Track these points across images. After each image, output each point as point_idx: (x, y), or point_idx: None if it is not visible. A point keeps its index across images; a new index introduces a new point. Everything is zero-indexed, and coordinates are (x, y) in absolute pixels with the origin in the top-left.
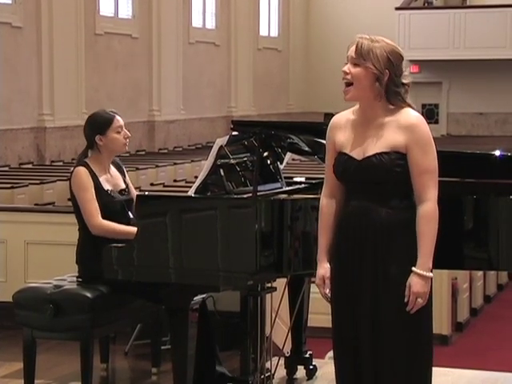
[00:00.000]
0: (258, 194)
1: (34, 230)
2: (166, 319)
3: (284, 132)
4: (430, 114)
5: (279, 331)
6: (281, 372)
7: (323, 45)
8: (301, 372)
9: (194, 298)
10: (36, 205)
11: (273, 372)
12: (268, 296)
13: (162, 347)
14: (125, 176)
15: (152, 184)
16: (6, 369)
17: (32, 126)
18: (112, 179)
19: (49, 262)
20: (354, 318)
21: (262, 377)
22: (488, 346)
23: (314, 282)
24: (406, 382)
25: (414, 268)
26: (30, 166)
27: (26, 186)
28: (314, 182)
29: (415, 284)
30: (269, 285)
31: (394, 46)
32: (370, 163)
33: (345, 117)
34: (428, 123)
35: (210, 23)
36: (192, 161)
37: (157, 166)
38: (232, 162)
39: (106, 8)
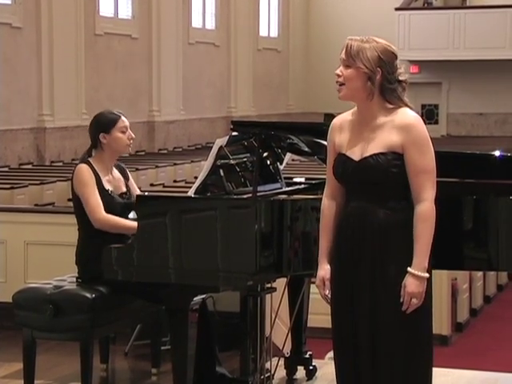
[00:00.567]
0: (258, 194)
1: (33, 231)
2: (166, 320)
3: (284, 132)
4: (430, 114)
5: (279, 332)
6: (281, 372)
7: (323, 45)
8: (301, 372)
9: (194, 299)
10: (36, 205)
11: (273, 372)
12: (268, 296)
13: (162, 348)
14: (128, 180)
15: (152, 184)
16: (6, 369)
17: (32, 127)
18: (114, 181)
19: (48, 263)
20: (353, 318)
21: (262, 377)
22: (488, 346)
23: (313, 283)
24: (404, 382)
25: (409, 268)
26: (29, 166)
27: (26, 186)
28: (313, 182)
29: (410, 284)
30: (268, 285)
31: (385, 44)
32: (368, 164)
33: (344, 118)
34: (428, 124)
35: (210, 24)
36: (192, 161)
37: (157, 167)
38: (232, 162)
39: (105, 8)
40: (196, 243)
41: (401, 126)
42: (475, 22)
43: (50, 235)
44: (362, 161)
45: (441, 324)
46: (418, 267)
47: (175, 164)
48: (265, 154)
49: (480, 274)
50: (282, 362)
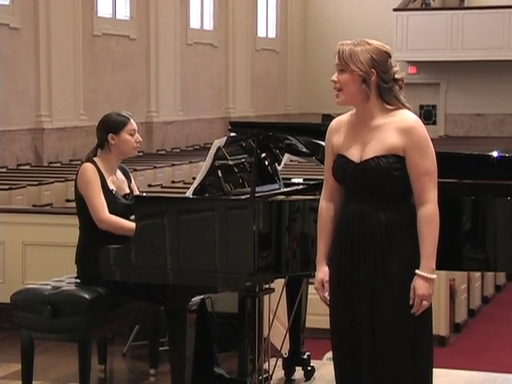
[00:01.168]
0: (256, 195)
1: (31, 231)
2: (164, 320)
3: (282, 133)
4: (428, 115)
5: (277, 332)
6: (279, 373)
7: (321, 46)
8: (299, 373)
9: (192, 299)
10: (34, 206)
11: (271, 373)
12: (266, 297)
13: (160, 348)
14: (130, 181)
15: (150, 185)
16: (4, 370)
17: (30, 127)
18: (117, 182)
19: (46, 263)
20: (353, 318)
21: (260, 378)
22: (486, 346)
23: (312, 283)
24: (407, 382)
25: (417, 271)
26: (27, 167)
27: (24, 187)
28: (311, 183)
29: (420, 287)
30: (267, 286)
31: (377, 44)
32: (369, 166)
33: (343, 120)
34: (426, 124)
35: (208, 24)
36: (190, 162)
37: (155, 167)
38: (230, 163)
39: (103, 9)
40: (194, 244)
41: (402, 129)
42: (473, 23)
43: (48, 236)
44: (363, 163)
45: (439, 324)
46: (426, 269)
47: (173, 165)
48: (263, 155)
49: (478, 274)
50: (280, 362)
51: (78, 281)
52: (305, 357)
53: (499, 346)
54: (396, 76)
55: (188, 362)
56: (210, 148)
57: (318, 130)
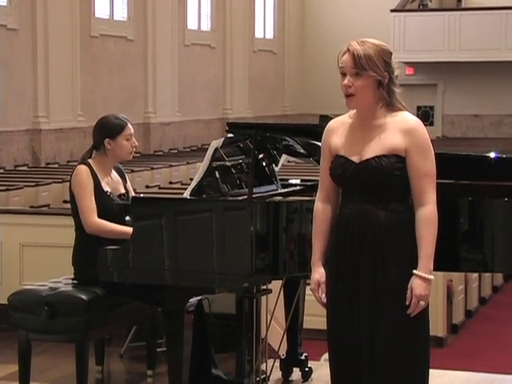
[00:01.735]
0: (254, 196)
1: (29, 233)
2: (162, 321)
3: (279, 134)
4: (426, 115)
5: (275, 333)
6: (276, 374)
7: (318, 47)
8: (296, 374)
9: (190, 300)
10: (31, 207)
11: (268, 374)
12: (263, 298)
13: (158, 349)
14: (126, 181)
15: (147, 186)
16: (1, 371)
17: (27, 128)
18: (112, 183)
19: (44, 264)
20: (352, 319)
21: (258, 379)
22: (483, 347)
23: (309, 285)
24: (406, 382)
25: (415, 271)
26: (25, 168)
27: (21, 188)
28: (309, 184)
29: (418, 287)
30: (264, 287)
31: (381, 44)
32: (370, 166)
33: (341, 121)
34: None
35: (206, 25)
36: (187, 163)
37: (152, 168)
38: (227, 164)
39: (101, 10)
40: (191, 245)
41: (404, 130)
42: (470, 24)
43: (45, 237)
44: (364, 163)
45: (436, 325)
46: (424, 269)
47: (171, 166)
48: (260, 156)
49: (475, 275)
50: (277, 363)
51: (76, 282)
52: (302, 358)
53: (496, 347)
54: (395, 73)
55: (185, 363)
56: (207, 149)
57: (316, 130)
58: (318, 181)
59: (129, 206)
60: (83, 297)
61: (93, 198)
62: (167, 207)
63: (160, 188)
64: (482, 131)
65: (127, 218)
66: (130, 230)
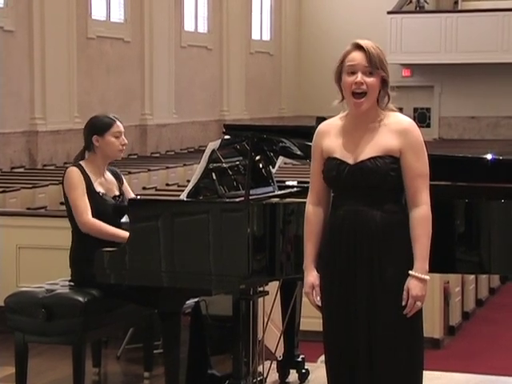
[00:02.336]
0: (250, 197)
1: (25, 234)
2: (159, 323)
3: (276, 136)
4: (422, 117)
5: (271, 335)
6: (273, 376)
7: (315, 49)
8: (293, 376)
9: (187, 302)
10: (28, 209)
11: (265, 376)
12: (260, 300)
13: (155, 351)
14: (122, 184)
15: (144, 188)
16: None
17: (24, 130)
18: (106, 183)
19: (41, 266)
20: (349, 320)
21: (255, 381)
22: (480, 349)
23: None
24: (403, 382)
25: (411, 272)
26: (21, 169)
27: (18, 189)
28: (306, 185)
29: (414, 287)
30: (261, 289)
31: (378, 46)
32: (365, 167)
33: (332, 124)
34: (420, 127)
35: (202, 27)
36: (184, 165)
37: (149, 170)
38: (224, 165)
39: (97, 12)
40: (188, 246)
41: (398, 131)
42: (467, 26)
43: (42, 239)
44: (359, 164)
45: (433, 327)
46: (420, 270)
47: (167, 167)
48: (257, 158)
49: (472, 277)
50: (274, 365)
51: (72, 284)
52: (299, 359)
53: (493, 349)
54: None
55: (182, 364)
56: (204, 151)
57: (312, 132)
58: None
59: (122, 208)
60: (80, 299)
61: (86, 197)
62: (164, 209)
63: (157, 190)
64: (479, 133)
65: (123, 219)
66: (123, 233)
